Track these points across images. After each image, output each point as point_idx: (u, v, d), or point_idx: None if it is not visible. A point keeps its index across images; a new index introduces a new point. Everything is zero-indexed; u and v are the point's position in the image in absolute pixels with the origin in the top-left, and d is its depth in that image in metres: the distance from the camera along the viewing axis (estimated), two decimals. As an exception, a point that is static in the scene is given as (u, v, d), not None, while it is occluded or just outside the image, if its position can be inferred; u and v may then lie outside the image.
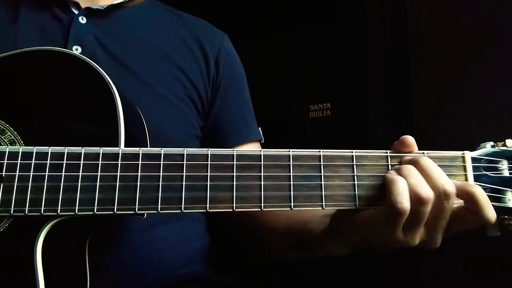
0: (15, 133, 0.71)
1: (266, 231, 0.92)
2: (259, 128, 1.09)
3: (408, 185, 0.64)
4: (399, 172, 0.66)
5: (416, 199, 0.63)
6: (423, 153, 0.69)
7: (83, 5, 0.93)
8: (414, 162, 0.66)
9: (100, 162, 0.67)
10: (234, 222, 1.01)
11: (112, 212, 0.66)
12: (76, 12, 0.93)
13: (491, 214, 0.64)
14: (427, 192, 0.63)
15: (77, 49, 0.88)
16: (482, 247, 1.16)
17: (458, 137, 1.22)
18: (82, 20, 0.92)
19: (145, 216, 0.69)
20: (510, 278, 1.19)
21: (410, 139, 0.69)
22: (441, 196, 0.63)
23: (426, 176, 0.64)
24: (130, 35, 0.96)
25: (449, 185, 0.64)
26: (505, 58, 1.26)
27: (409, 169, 0.65)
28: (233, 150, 0.68)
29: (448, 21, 1.38)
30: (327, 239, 0.76)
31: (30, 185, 0.66)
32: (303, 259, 0.88)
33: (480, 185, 0.67)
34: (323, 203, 0.67)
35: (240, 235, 1.03)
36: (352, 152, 0.69)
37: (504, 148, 0.69)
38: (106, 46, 0.92)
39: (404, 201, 0.62)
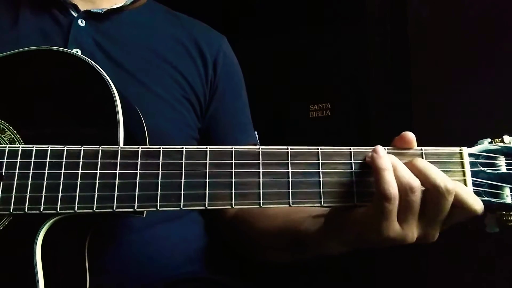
0: (15, 132, 0.71)
1: (260, 234, 0.92)
2: (255, 132, 1.08)
3: (397, 174, 0.64)
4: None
5: (408, 187, 0.63)
6: (421, 149, 0.69)
7: (81, 8, 0.94)
8: (411, 164, 0.66)
9: (99, 160, 0.67)
10: (228, 225, 1.00)
11: (111, 210, 0.66)
12: (75, 14, 0.93)
13: (477, 206, 0.64)
14: (415, 181, 0.63)
15: (77, 52, 0.88)
16: (482, 246, 1.17)
17: (456, 134, 1.23)
18: (81, 23, 0.92)
19: (144, 215, 0.69)
20: (508, 276, 1.19)
21: (410, 135, 0.69)
22: (443, 191, 0.63)
23: (424, 175, 0.65)
24: (129, 38, 0.96)
25: (449, 181, 0.64)
26: (504, 57, 1.27)
27: (394, 160, 0.66)
28: (232, 148, 0.68)
29: (448, 21, 1.39)
30: (323, 239, 0.75)
31: (29, 183, 0.66)
32: (299, 260, 0.87)
33: (477, 181, 0.68)
34: (322, 200, 0.67)
35: (233, 238, 1.02)
36: (350, 149, 0.69)
37: (502, 144, 0.69)
38: (105, 49, 0.92)
39: (391, 188, 0.63)
